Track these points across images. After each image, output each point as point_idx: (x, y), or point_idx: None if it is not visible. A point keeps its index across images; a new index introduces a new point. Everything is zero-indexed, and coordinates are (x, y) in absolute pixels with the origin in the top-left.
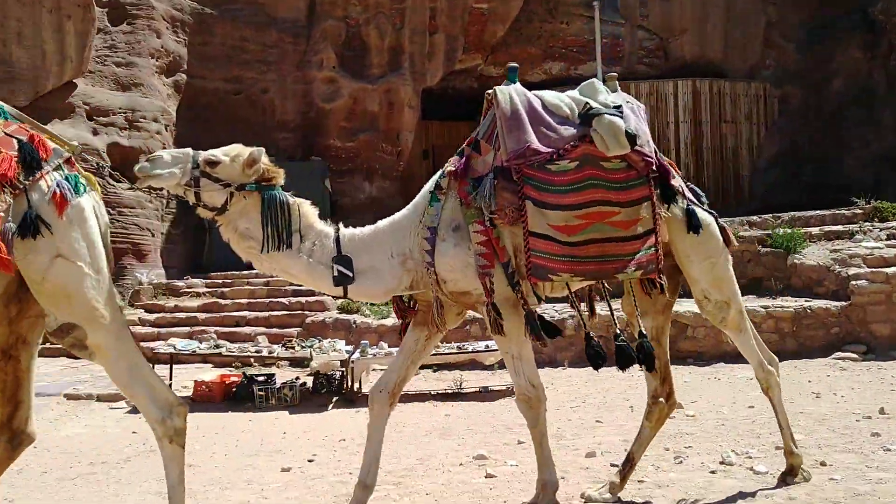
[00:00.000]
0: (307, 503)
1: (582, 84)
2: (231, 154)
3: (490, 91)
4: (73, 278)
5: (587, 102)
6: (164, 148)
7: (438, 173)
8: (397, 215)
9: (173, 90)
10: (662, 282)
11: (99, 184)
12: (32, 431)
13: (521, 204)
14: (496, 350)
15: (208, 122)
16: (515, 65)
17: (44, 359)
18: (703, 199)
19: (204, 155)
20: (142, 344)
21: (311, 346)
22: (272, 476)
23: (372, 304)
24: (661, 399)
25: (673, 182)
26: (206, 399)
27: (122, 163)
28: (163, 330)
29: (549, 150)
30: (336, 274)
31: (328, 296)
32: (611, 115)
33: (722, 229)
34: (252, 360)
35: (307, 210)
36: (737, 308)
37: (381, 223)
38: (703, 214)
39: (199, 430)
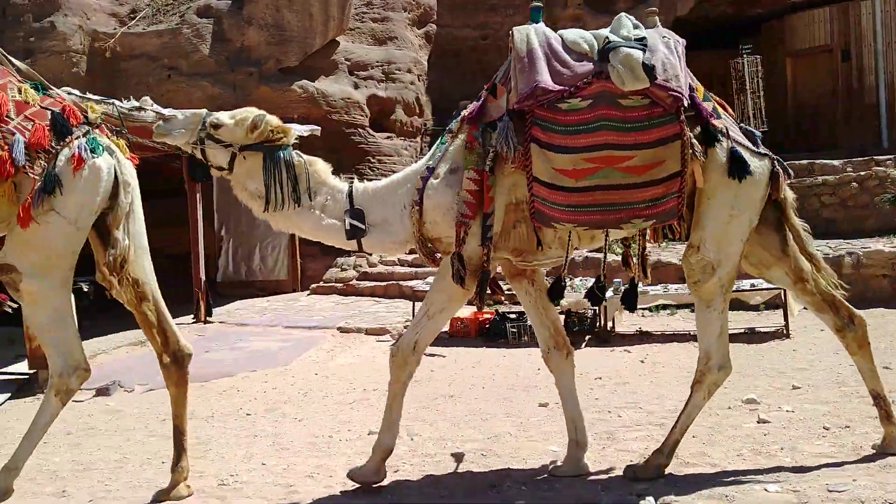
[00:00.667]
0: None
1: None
2: (237, 117)
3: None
4: (51, 232)
5: (607, 37)
6: (418, 98)
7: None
8: (412, 165)
9: (424, 41)
10: (681, 225)
11: (360, 134)
12: (186, 345)
13: (526, 147)
14: (764, 289)
15: (458, 69)
16: (539, 4)
17: (318, 296)
18: (759, 143)
19: (210, 117)
20: (400, 283)
21: None
22: (530, 410)
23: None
24: (847, 327)
25: (715, 122)
26: (462, 335)
27: (380, 113)
28: (419, 269)
29: (560, 87)
30: (348, 227)
31: None
32: (630, 47)
33: (775, 176)
34: (503, 297)
35: (319, 168)
36: (721, 279)
37: (396, 174)
38: (754, 162)
39: (458, 363)
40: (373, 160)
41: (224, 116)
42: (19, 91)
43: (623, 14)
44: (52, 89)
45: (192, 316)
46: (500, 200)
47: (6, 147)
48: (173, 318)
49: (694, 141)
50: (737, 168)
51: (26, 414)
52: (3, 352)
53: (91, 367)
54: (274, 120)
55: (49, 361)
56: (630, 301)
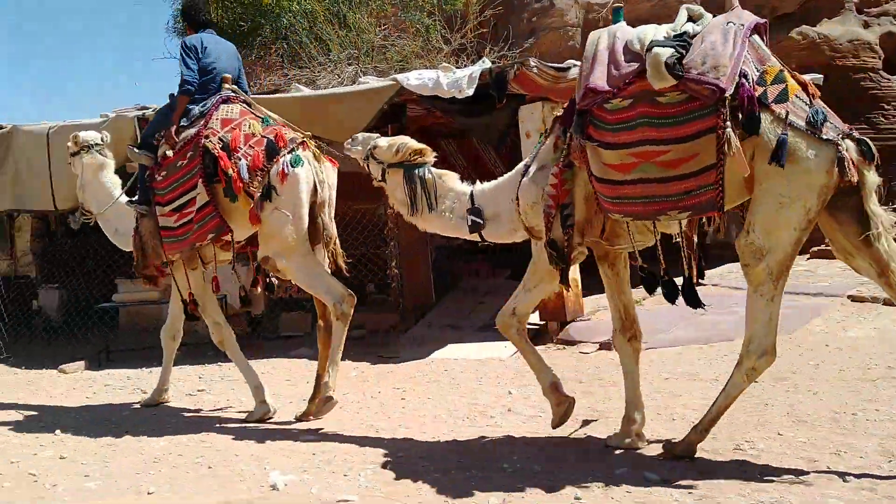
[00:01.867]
0: None
1: None
2: (391, 143)
3: None
4: (279, 222)
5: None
6: None
7: None
8: (519, 164)
9: None
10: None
11: (872, 79)
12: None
13: (582, 144)
14: None
15: None
16: (619, 5)
17: (822, 260)
18: (827, 125)
19: (373, 140)
20: None
21: None
22: None
23: None
24: None
25: (774, 107)
26: None
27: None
28: None
29: (606, 88)
30: (470, 223)
31: None
32: (662, 46)
33: (839, 162)
34: None
35: (448, 178)
36: (768, 267)
37: (506, 175)
38: (807, 149)
39: None
40: (887, 107)
41: (382, 141)
42: (249, 126)
43: (685, 6)
44: (273, 119)
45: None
46: (579, 193)
47: (237, 170)
48: None
49: (730, 133)
50: (778, 155)
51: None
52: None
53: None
54: (414, 145)
55: (325, 301)
56: (691, 299)
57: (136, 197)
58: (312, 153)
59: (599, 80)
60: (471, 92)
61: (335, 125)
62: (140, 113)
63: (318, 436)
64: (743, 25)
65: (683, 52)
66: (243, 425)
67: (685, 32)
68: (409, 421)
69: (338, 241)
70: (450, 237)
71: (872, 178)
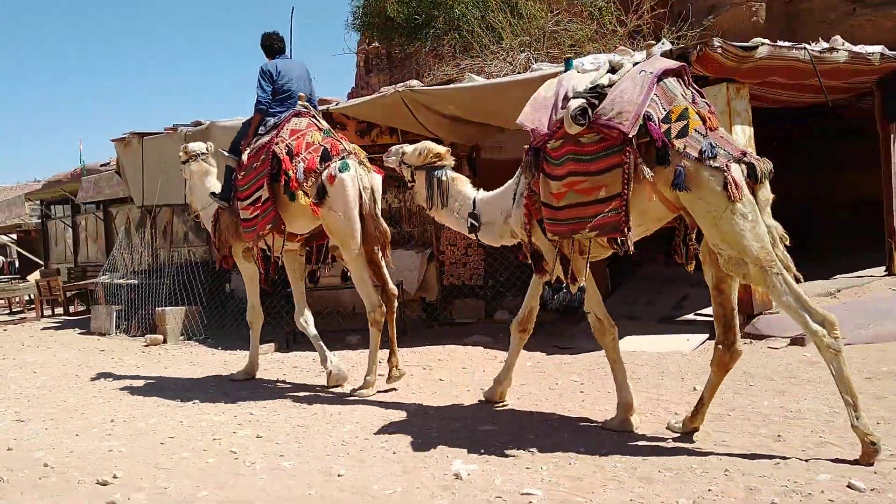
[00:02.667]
0: None
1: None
2: (416, 148)
3: None
4: (333, 220)
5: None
6: None
7: None
8: (509, 181)
9: None
10: (626, 239)
11: None
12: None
13: (537, 175)
14: None
15: None
16: (570, 56)
17: None
18: (718, 153)
19: (402, 148)
20: None
21: None
22: None
23: None
24: (721, 346)
25: (674, 142)
26: None
27: None
28: None
29: (546, 131)
30: (469, 225)
31: None
32: (576, 97)
33: (731, 184)
34: None
35: (459, 182)
36: (756, 263)
37: (501, 188)
38: (699, 173)
39: None
40: None
41: (408, 147)
42: (311, 136)
43: (608, 59)
44: (332, 132)
45: (883, 268)
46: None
47: (294, 170)
48: (863, 269)
49: (639, 166)
50: (677, 182)
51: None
52: (700, 293)
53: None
54: (435, 148)
55: (364, 300)
56: None
57: (221, 192)
58: (359, 161)
59: (542, 123)
60: None
61: (509, 113)
62: (324, 108)
63: (498, 426)
64: (652, 73)
65: (596, 101)
66: (426, 412)
67: (599, 84)
68: (590, 415)
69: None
70: None
71: (764, 194)
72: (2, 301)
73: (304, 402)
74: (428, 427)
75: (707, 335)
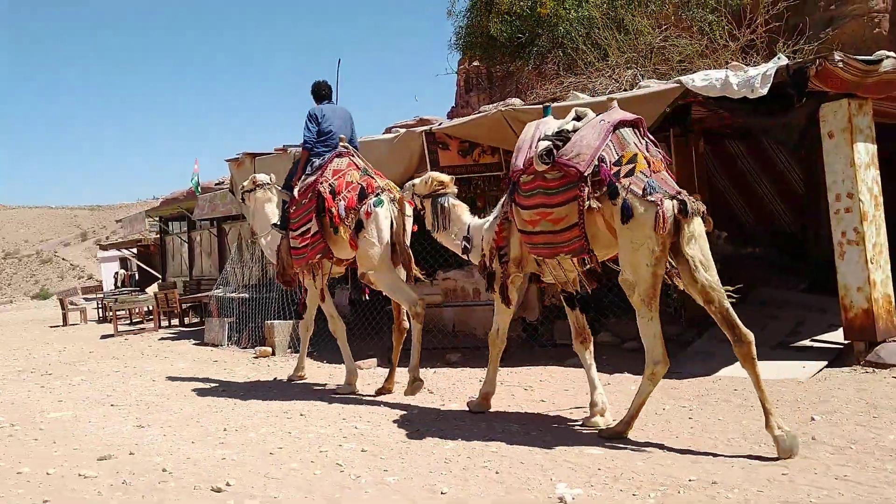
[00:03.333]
0: None
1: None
2: (423, 179)
3: None
4: (367, 247)
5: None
6: None
7: None
8: (496, 209)
9: None
10: (592, 257)
11: None
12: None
13: (511, 205)
14: None
15: None
16: (548, 105)
17: None
18: (655, 191)
19: (413, 182)
20: None
21: None
22: None
23: None
24: (735, 343)
25: (624, 182)
26: None
27: None
28: None
29: (521, 167)
30: (463, 246)
31: None
32: (545, 139)
33: (660, 217)
34: None
35: (459, 209)
36: (640, 294)
37: (488, 217)
38: (636, 206)
39: None
40: None
41: (417, 180)
42: (350, 175)
43: (575, 108)
44: (370, 169)
45: None
46: (514, 239)
47: (337, 209)
48: None
49: (591, 200)
50: (622, 214)
51: (842, 383)
52: (817, 318)
53: None
54: (439, 177)
55: (404, 304)
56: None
57: (280, 223)
58: (392, 197)
59: (520, 161)
60: (764, 91)
61: None
62: (427, 128)
63: (603, 449)
64: (609, 123)
65: (561, 143)
66: (528, 432)
67: (564, 130)
68: (699, 442)
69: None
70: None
71: (691, 228)
72: (123, 312)
73: (407, 417)
74: (531, 448)
75: (826, 362)
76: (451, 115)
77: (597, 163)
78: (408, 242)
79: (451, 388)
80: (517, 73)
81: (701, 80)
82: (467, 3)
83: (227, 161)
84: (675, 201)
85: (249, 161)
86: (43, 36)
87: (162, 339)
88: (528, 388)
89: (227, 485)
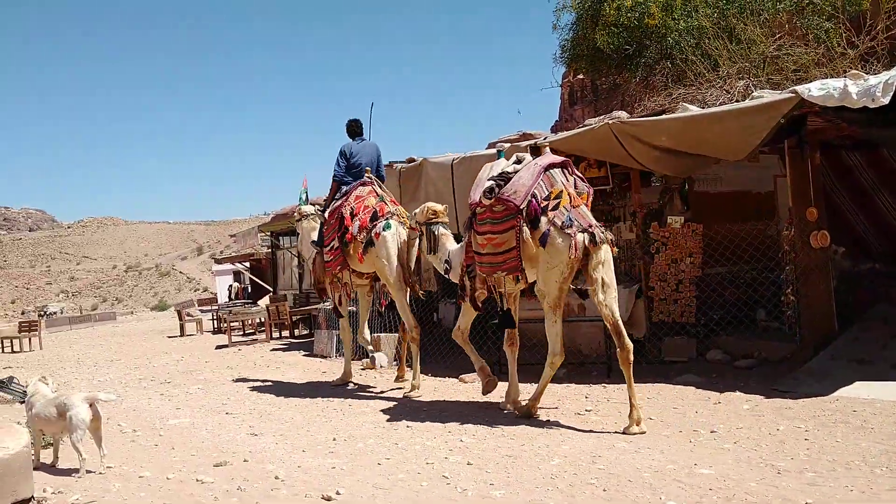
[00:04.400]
0: None
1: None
2: (421, 209)
3: None
4: (381, 265)
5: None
6: None
7: None
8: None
9: None
10: (523, 275)
11: None
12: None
13: (470, 233)
14: None
15: None
16: (501, 149)
17: None
18: (573, 224)
19: (416, 210)
20: None
21: None
22: None
23: None
24: (619, 349)
25: (549, 216)
26: None
27: None
28: None
29: (476, 201)
30: (444, 267)
31: None
32: (489, 180)
33: (573, 247)
34: None
35: (446, 237)
36: (548, 302)
37: (462, 243)
38: (556, 237)
39: None
40: None
41: (418, 210)
42: (369, 201)
43: (516, 154)
44: (389, 196)
45: None
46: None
47: (352, 227)
48: None
49: (524, 228)
50: (542, 241)
51: None
52: None
53: None
54: (433, 207)
55: (405, 322)
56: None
57: (317, 241)
58: (400, 222)
59: (476, 195)
60: (886, 100)
61: (727, 142)
62: (532, 142)
63: (716, 470)
64: (541, 165)
65: (503, 182)
66: (636, 449)
67: (505, 171)
68: (816, 465)
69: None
70: None
71: (598, 255)
72: (236, 323)
73: (512, 432)
74: (639, 466)
75: None
76: (554, 129)
77: (530, 198)
78: (412, 264)
79: (556, 403)
80: (624, 86)
81: (818, 89)
82: (573, 16)
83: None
84: (586, 234)
85: None
86: (166, 55)
87: (273, 349)
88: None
89: (337, 493)
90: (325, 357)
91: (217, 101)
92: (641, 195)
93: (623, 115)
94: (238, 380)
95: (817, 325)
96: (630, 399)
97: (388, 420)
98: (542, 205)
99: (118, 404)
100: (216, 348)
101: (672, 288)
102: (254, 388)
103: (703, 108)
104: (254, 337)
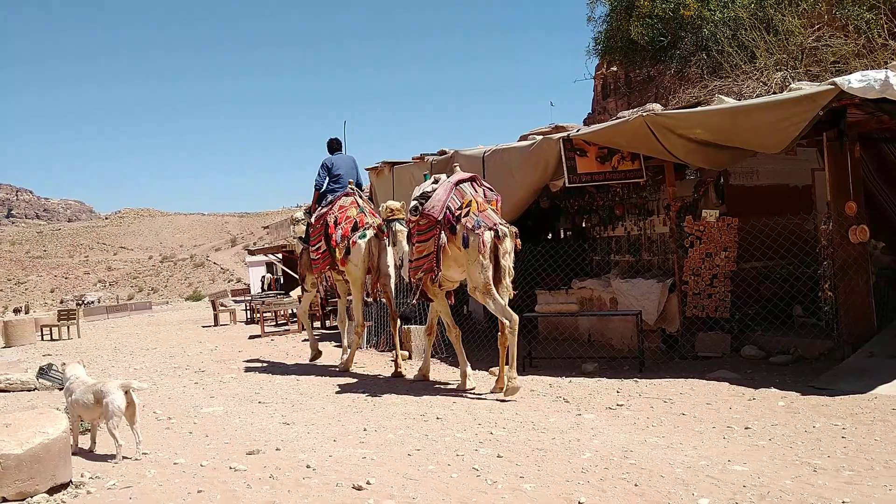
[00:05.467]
0: None
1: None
2: (383, 206)
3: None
4: (352, 270)
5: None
6: None
7: None
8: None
9: None
10: (437, 276)
11: None
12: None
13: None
14: None
15: None
16: (426, 172)
17: None
18: (480, 225)
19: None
20: None
21: None
22: None
23: None
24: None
25: (463, 222)
26: None
27: None
28: None
29: (410, 218)
30: (399, 263)
31: None
32: (413, 199)
33: (481, 244)
34: None
35: (402, 234)
36: (480, 291)
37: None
38: (472, 238)
39: None
40: None
41: (382, 206)
42: (350, 211)
43: (433, 176)
44: (368, 207)
45: None
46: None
47: (335, 235)
48: None
49: (443, 236)
50: (462, 243)
51: None
52: None
53: None
54: (391, 205)
55: (356, 316)
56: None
57: (304, 238)
58: (376, 233)
59: (410, 212)
60: None
61: (764, 135)
62: (564, 134)
63: (749, 467)
64: (452, 182)
65: (424, 200)
66: (669, 445)
67: (425, 191)
68: (853, 463)
69: (390, 281)
70: None
71: (504, 246)
72: (269, 314)
73: (542, 425)
74: (671, 462)
75: None
76: (587, 122)
77: (446, 210)
78: (389, 268)
79: (587, 397)
80: (658, 78)
81: (858, 81)
82: (607, 8)
83: (367, 170)
84: (491, 231)
85: (388, 170)
86: (207, 46)
87: (305, 340)
88: (667, 401)
89: (368, 483)
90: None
91: (253, 93)
92: (676, 188)
93: (657, 107)
94: (270, 369)
95: (855, 322)
96: (502, 363)
97: (418, 412)
98: (455, 214)
99: (153, 392)
100: (249, 338)
101: (706, 282)
102: (285, 378)
103: (740, 100)
104: (286, 327)
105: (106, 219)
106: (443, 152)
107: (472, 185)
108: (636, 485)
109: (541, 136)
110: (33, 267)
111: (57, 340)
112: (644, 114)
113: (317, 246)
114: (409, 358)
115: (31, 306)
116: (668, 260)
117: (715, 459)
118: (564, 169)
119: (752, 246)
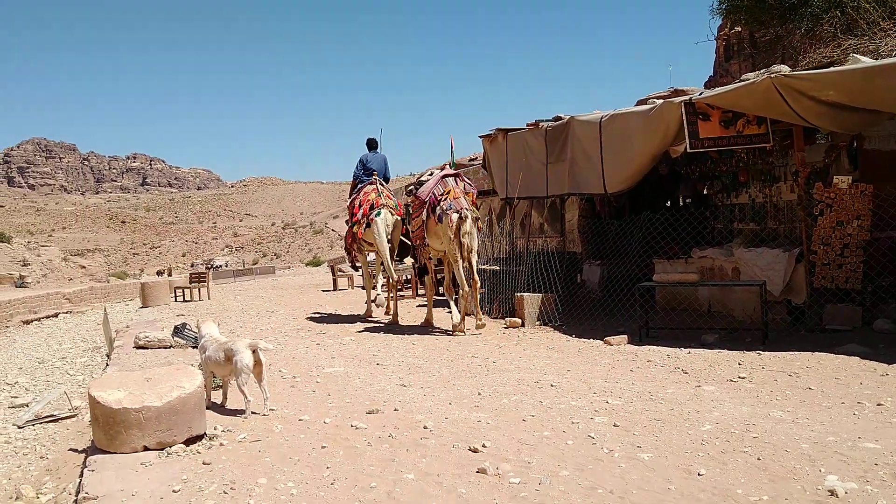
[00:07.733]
0: None
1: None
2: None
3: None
4: (373, 239)
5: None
6: None
7: None
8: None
9: None
10: (427, 245)
11: None
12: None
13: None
14: None
15: None
16: (432, 172)
17: None
18: (451, 208)
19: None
20: None
21: None
22: None
23: None
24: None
25: (440, 204)
26: None
27: None
28: None
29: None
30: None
31: None
32: (408, 186)
33: (450, 222)
34: None
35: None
36: (451, 257)
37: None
38: (442, 216)
39: None
40: None
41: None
42: (372, 195)
43: (430, 171)
44: (384, 193)
45: None
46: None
47: (358, 213)
48: None
49: (429, 214)
50: (438, 220)
51: None
52: None
53: None
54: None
55: (389, 272)
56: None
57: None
58: (390, 211)
59: (408, 193)
60: None
61: None
62: (686, 98)
63: (882, 444)
64: (439, 175)
65: (419, 186)
66: (794, 419)
67: (421, 181)
68: None
69: (389, 256)
70: None
71: (465, 227)
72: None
73: (660, 397)
74: (796, 436)
75: None
76: (708, 85)
77: (431, 195)
78: (395, 243)
79: (707, 369)
80: (786, 38)
81: None
82: None
83: (481, 137)
84: (457, 213)
85: (502, 137)
86: (325, 20)
87: (419, 305)
88: (792, 375)
89: (483, 446)
90: (469, 314)
91: (368, 63)
92: (805, 153)
93: (784, 68)
94: (386, 332)
95: None
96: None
97: (532, 379)
98: (438, 199)
99: (279, 352)
100: (365, 303)
101: (836, 252)
102: (401, 342)
103: (877, 59)
104: (401, 293)
105: (232, 187)
106: (558, 118)
107: (455, 179)
108: (759, 458)
109: (660, 101)
110: (166, 232)
111: (189, 302)
112: (772, 75)
113: (351, 225)
114: (522, 325)
115: (172, 269)
116: (796, 228)
117: (844, 436)
118: (686, 134)
119: (889, 214)
